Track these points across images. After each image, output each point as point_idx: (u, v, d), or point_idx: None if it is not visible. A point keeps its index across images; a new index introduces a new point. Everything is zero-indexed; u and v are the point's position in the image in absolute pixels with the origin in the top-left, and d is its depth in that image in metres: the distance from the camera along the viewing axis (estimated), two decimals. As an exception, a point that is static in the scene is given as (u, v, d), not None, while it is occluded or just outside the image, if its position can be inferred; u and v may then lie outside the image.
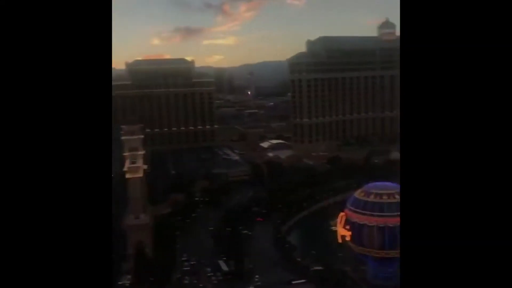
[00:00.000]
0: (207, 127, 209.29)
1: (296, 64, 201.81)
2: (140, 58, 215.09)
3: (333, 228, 78.94)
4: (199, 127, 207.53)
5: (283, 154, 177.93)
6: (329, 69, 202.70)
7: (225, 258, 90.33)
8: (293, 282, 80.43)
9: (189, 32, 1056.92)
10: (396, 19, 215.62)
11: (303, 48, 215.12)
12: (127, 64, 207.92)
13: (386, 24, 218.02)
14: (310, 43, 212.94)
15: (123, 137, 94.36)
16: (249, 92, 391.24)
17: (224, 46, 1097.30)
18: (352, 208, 74.24)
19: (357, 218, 72.25)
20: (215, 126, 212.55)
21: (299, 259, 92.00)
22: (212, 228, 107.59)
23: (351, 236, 72.49)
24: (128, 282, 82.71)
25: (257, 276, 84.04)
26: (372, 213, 70.82)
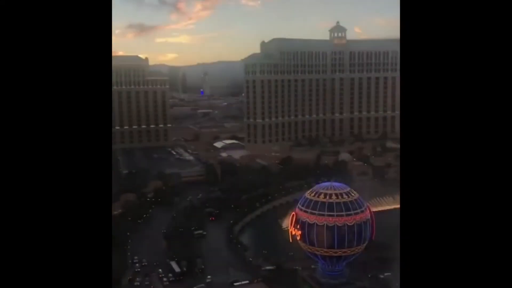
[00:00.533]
0: (160, 126, 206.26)
1: (250, 65, 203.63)
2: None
3: (285, 227, 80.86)
4: (152, 126, 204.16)
5: (237, 154, 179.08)
6: (282, 71, 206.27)
7: (177, 259, 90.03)
8: (236, 283, 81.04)
9: (143, 29, 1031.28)
10: (345, 22, 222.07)
11: (257, 49, 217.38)
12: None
13: (337, 28, 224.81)
14: (264, 44, 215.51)
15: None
16: (202, 92, 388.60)
17: (178, 45, 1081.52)
18: (302, 208, 76.36)
19: (307, 218, 74.38)
20: (169, 125, 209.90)
21: (251, 259, 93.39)
22: (164, 229, 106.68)
23: (302, 235, 74.57)
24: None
25: (209, 276, 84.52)
26: (321, 212, 73.21)
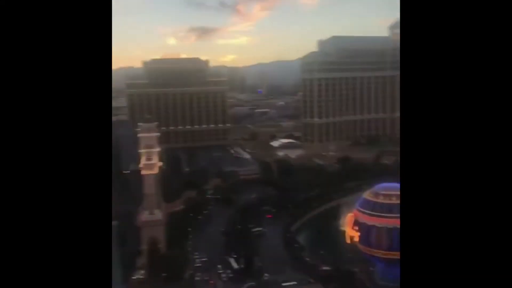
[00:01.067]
0: (220, 125, 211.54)
1: (308, 63, 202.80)
2: (156, 57, 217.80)
3: (342, 228, 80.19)
4: (212, 125, 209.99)
5: (293, 154, 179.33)
6: (340, 69, 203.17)
7: (235, 256, 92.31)
8: (284, 284, 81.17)
9: (204, 31, 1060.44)
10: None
11: (315, 48, 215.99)
12: (144, 63, 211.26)
13: (397, 24, 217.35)
14: (322, 43, 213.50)
15: (139, 135, 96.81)
16: (260, 91, 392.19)
17: (238, 46, 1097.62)
18: (361, 209, 75.42)
19: (366, 219, 73.41)
20: (228, 125, 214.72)
21: (307, 259, 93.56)
22: (223, 226, 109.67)
23: (360, 237, 73.70)
24: (141, 277, 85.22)
25: (266, 274, 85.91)
26: (380, 214, 71.93)
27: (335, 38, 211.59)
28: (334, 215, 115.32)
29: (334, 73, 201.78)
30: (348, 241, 75.31)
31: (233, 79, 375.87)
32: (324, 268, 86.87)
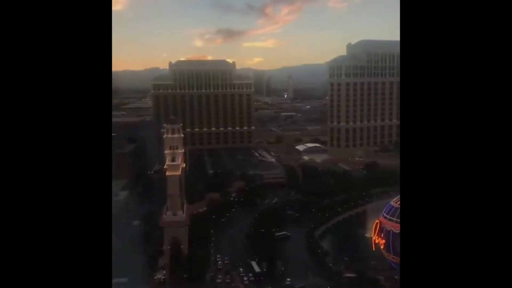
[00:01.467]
0: (245, 128, 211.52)
1: (335, 67, 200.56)
2: (183, 59, 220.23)
3: (367, 235, 78.25)
4: (237, 128, 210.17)
5: (319, 158, 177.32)
6: (369, 73, 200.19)
7: (257, 259, 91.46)
8: None
9: (230, 34, 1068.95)
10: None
11: (343, 51, 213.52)
12: (170, 65, 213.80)
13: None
14: (350, 47, 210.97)
15: (164, 136, 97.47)
16: (285, 95, 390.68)
17: (265, 49, 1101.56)
18: (387, 216, 73.32)
19: (392, 227, 71.24)
20: (252, 127, 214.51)
21: (331, 265, 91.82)
22: (246, 229, 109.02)
23: (385, 244, 71.63)
24: (163, 277, 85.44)
25: (288, 279, 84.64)
26: (408, 222, 69.73)
27: (363, 42, 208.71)
28: (359, 222, 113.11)
29: (362, 78, 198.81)
30: (374, 248, 73.25)
31: (259, 82, 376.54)
32: (348, 275, 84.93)
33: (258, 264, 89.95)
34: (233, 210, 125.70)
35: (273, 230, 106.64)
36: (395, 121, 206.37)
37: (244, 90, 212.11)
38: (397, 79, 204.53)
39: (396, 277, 77.85)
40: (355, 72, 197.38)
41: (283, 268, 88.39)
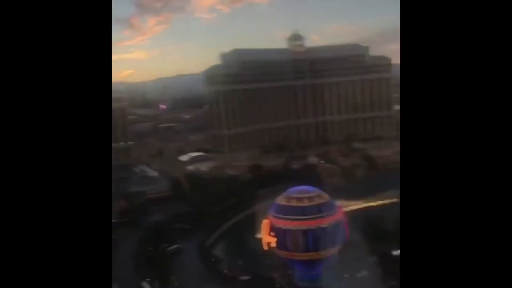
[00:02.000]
0: (121, 144, 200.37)
1: (211, 76, 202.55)
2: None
3: (258, 236, 79.39)
4: (112, 144, 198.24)
5: (204, 166, 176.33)
6: (244, 80, 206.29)
7: (149, 279, 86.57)
8: None
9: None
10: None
11: (217, 61, 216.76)
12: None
13: (295, 36, 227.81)
14: (224, 55, 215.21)
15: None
16: (162, 106, 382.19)
17: (135, 60, 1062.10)
18: (275, 214, 75.30)
19: (281, 224, 73.36)
20: (129, 142, 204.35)
21: (226, 271, 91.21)
22: (132, 250, 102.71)
23: (276, 242, 73.38)
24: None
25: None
26: (294, 217, 72.40)
27: (236, 51, 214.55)
28: (249, 224, 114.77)
29: (238, 85, 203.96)
30: (266, 247, 74.53)
31: (133, 94, 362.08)
32: (244, 278, 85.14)
33: (151, 283, 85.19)
34: (117, 232, 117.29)
35: (163, 246, 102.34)
36: (273, 124, 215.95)
37: (116, 104, 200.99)
38: (270, 84, 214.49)
39: (289, 272, 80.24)
40: (231, 80, 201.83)
41: (176, 284, 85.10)
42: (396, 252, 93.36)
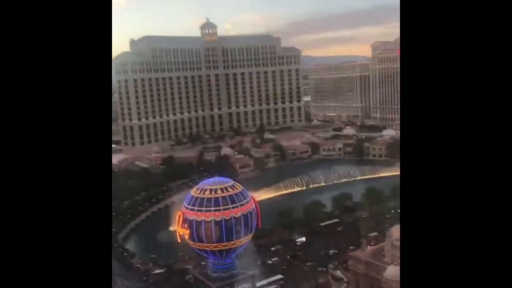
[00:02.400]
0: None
1: (120, 63, 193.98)
2: None
3: (172, 228, 79.16)
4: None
5: (114, 159, 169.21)
6: (156, 69, 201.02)
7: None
8: None
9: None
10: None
11: (127, 48, 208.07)
12: None
13: (208, 25, 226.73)
14: (134, 43, 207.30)
15: None
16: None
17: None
18: (189, 206, 75.36)
19: (194, 216, 73.64)
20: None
21: (138, 265, 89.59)
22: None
23: (190, 234, 73.79)
24: None
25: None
26: (208, 208, 73.19)
27: (147, 38, 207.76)
28: (162, 217, 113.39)
29: (150, 73, 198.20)
30: (179, 240, 74.68)
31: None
32: (157, 271, 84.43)
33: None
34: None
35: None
36: (186, 114, 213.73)
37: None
38: (183, 73, 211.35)
39: (202, 263, 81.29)
40: (141, 68, 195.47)
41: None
42: (301, 239, 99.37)
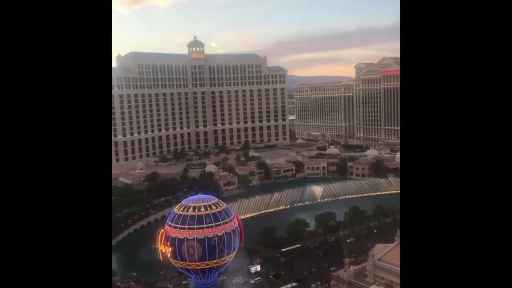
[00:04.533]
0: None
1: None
2: None
3: (155, 246, 78.22)
4: None
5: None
6: (142, 85, 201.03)
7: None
8: None
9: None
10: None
11: (113, 63, 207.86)
12: None
13: (195, 43, 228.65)
14: (120, 58, 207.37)
15: None
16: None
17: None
18: (172, 223, 74.86)
19: (177, 233, 73.09)
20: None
21: (119, 284, 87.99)
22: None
23: (172, 251, 73.07)
24: None
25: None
26: (191, 226, 72.77)
27: (133, 54, 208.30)
28: (145, 234, 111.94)
29: (136, 90, 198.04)
30: (161, 258, 73.79)
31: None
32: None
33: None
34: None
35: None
36: (171, 131, 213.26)
37: None
38: (169, 90, 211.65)
39: (183, 282, 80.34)
40: (127, 83, 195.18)
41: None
42: (283, 258, 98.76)
